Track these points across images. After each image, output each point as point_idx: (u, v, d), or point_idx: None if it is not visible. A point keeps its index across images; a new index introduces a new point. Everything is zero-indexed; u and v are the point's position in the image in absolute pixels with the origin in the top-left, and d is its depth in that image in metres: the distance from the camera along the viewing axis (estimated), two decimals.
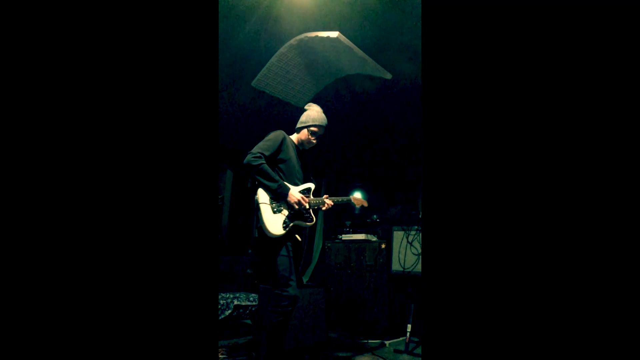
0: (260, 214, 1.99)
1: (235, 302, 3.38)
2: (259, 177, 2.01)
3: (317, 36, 2.61)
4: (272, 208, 2.02)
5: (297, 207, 2.05)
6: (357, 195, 2.60)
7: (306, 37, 2.66)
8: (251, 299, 3.51)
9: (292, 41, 2.72)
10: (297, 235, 2.11)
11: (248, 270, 4.04)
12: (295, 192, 2.06)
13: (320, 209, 2.21)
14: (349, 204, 2.42)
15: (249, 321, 3.54)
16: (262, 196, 2.02)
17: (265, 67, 2.97)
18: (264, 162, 2.02)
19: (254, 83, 3.15)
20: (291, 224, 2.04)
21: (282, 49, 2.80)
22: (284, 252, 2.01)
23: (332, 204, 2.24)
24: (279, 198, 2.03)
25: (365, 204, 2.47)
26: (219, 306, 3.28)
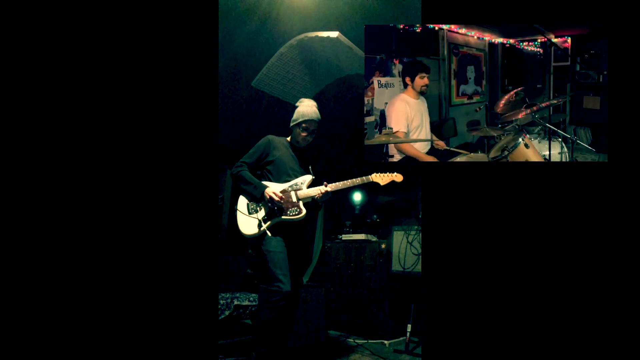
0: (236, 219, 2.14)
1: (235, 302, 3.38)
2: (237, 183, 2.17)
3: (317, 36, 2.61)
4: (249, 210, 2.15)
5: (272, 203, 2.09)
6: (377, 176, 2.12)
7: (306, 37, 2.66)
8: (251, 299, 3.51)
9: (292, 41, 2.72)
10: (268, 231, 2.07)
11: (248, 270, 4.04)
12: (269, 189, 2.10)
13: (316, 198, 2.11)
14: (358, 191, 2.24)
15: (249, 321, 3.54)
16: (240, 202, 2.17)
17: (265, 67, 2.97)
18: (244, 168, 2.17)
19: (254, 83, 3.15)
20: (269, 222, 2.09)
21: (282, 49, 2.80)
22: (275, 248, 2.03)
23: (329, 190, 2.10)
24: (258, 199, 2.12)
25: (398, 179, 2.11)
26: (219, 306, 3.28)
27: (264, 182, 2.18)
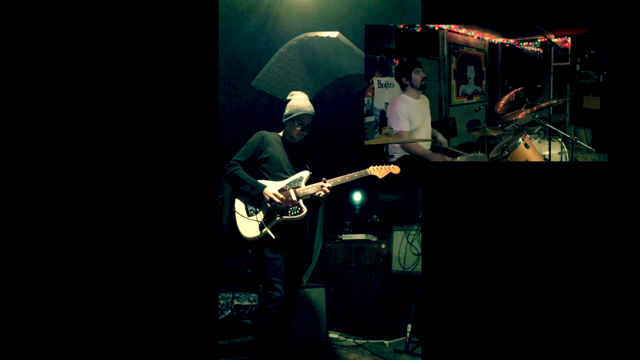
0: (235, 221, 2.04)
1: (235, 302, 3.38)
2: (232, 184, 2.07)
3: (317, 36, 2.61)
4: (248, 212, 2.05)
5: (271, 204, 2.00)
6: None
7: (306, 37, 2.66)
8: (251, 299, 3.51)
9: (292, 41, 2.72)
10: (271, 234, 1.98)
11: (248, 270, 4.04)
12: (269, 190, 2.02)
13: (317, 196, 2.08)
14: (358, 186, 2.17)
15: (249, 321, 3.54)
16: (237, 204, 2.08)
17: (265, 67, 2.98)
18: (238, 167, 2.08)
19: (254, 83, 3.16)
20: (271, 224, 2.01)
21: (282, 49, 2.80)
22: (271, 254, 1.97)
23: (330, 186, 2.06)
24: (257, 199, 2.05)
25: (396, 171, 2.12)
26: (219, 306, 3.28)
27: (260, 181, 2.08)
